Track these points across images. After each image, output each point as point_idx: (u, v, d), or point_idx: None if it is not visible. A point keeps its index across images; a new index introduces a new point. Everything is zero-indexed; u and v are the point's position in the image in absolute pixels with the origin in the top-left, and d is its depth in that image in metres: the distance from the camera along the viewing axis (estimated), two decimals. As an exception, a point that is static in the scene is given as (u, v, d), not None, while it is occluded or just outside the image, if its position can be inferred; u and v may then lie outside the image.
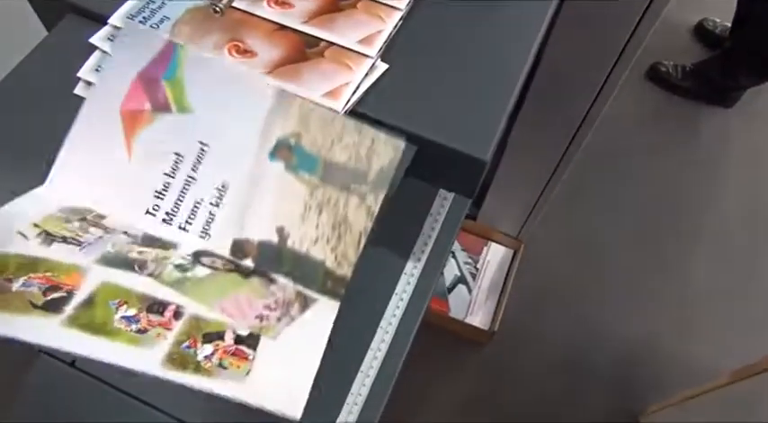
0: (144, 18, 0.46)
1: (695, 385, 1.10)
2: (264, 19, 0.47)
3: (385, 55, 0.46)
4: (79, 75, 0.45)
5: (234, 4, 0.47)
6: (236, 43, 0.45)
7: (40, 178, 0.42)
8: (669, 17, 0.80)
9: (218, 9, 0.43)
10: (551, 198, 1.24)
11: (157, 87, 0.42)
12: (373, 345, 0.63)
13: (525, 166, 1.20)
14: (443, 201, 0.64)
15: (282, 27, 0.46)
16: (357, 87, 0.44)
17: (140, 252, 0.39)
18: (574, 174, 1.21)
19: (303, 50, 0.45)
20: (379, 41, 0.46)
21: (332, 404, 0.48)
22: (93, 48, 0.46)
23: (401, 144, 0.42)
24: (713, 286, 1.50)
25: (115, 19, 0.46)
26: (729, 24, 1.76)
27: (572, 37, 0.88)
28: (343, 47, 0.46)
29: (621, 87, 0.93)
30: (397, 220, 0.66)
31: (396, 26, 0.47)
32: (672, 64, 1.81)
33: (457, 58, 0.46)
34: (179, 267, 0.39)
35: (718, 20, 1.90)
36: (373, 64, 0.45)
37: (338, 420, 0.45)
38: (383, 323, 0.64)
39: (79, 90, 0.45)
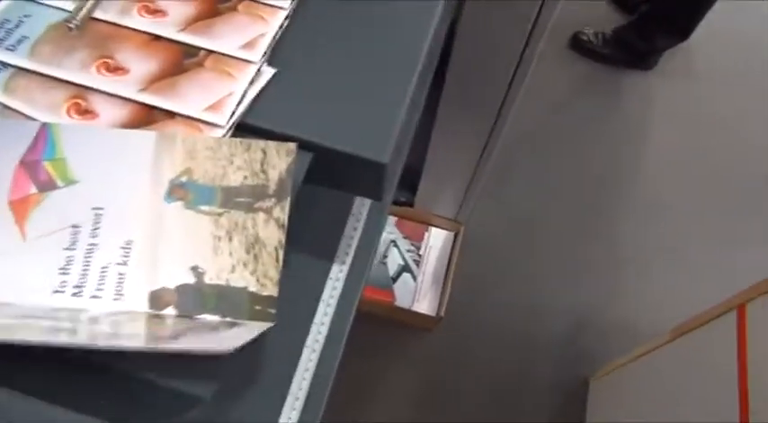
0: None
1: (639, 345, 1.13)
2: (135, 30, 0.43)
3: (271, 59, 0.43)
4: None
5: (99, 16, 0.43)
6: (104, 60, 0.41)
7: None
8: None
9: (71, 26, 0.39)
10: (485, 177, 1.24)
11: (39, 169, 0.38)
12: (304, 354, 0.61)
13: (455, 147, 1.19)
14: (364, 199, 0.62)
15: (156, 37, 0.43)
16: (242, 97, 0.41)
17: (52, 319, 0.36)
18: (505, 151, 1.21)
19: (181, 62, 0.42)
20: (263, 45, 0.43)
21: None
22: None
23: (292, 147, 0.40)
24: (646, 251, 1.55)
25: None
26: None
27: (482, 14, 0.87)
28: (223, 54, 0.42)
29: (546, 59, 0.92)
30: (317, 225, 0.64)
31: (281, 27, 0.44)
32: (592, 32, 1.84)
33: (347, 57, 0.44)
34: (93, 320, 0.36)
35: None
36: (258, 70, 0.42)
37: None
38: (312, 331, 0.61)
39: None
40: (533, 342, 1.40)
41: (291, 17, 0.45)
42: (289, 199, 0.41)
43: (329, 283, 0.63)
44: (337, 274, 0.64)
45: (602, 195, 1.63)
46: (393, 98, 0.42)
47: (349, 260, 0.65)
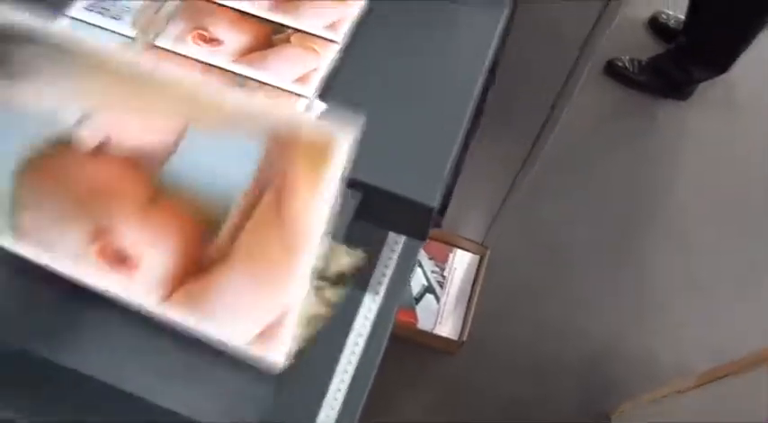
0: (103, 8, 0.43)
1: (662, 381, 1.11)
2: (190, 58, 0.43)
3: (322, 94, 0.43)
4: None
5: (158, 43, 0.43)
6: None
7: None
8: (623, 12, 0.80)
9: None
10: (515, 202, 1.23)
11: None
12: (334, 383, 0.60)
13: (488, 171, 1.18)
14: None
15: (210, 66, 0.43)
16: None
17: None
18: (534, 175, 1.20)
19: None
20: (316, 80, 0.43)
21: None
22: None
23: (360, 254, 0.39)
24: (673, 282, 1.52)
25: (74, 11, 0.43)
26: (683, 17, 1.77)
27: (529, 42, 0.86)
28: (276, 87, 0.42)
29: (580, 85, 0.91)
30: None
31: (333, 61, 0.44)
32: (628, 58, 1.82)
33: (398, 96, 0.44)
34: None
35: (671, 12, 1.92)
36: (310, 105, 0.42)
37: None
38: (342, 361, 0.61)
39: None
40: (555, 370, 1.37)
41: (344, 51, 0.45)
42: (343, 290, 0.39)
43: (362, 313, 0.63)
44: (370, 305, 0.63)
45: (632, 223, 1.60)
46: (444, 143, 0.41)
47: (382, 290, 0.64)
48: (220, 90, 0.33)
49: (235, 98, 0.32)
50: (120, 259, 0.30)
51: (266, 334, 0.29)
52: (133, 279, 0.30)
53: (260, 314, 0.29)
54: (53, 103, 0.30)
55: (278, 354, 0.29)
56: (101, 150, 0.31)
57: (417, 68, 0.45)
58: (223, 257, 0.30)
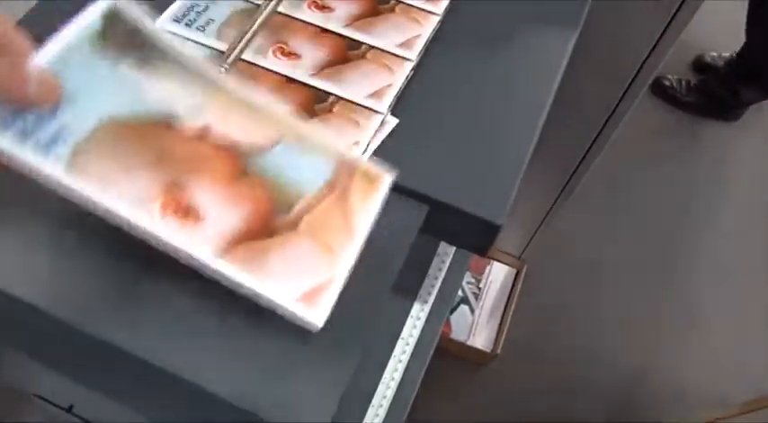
0: (189, 21, 0.46)
1: (694, 409, 1.09)
2: (271, 70, 0.45)
3: (395, 109, 0.44)
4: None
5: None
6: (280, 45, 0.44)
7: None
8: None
9: (223, 69, 0.41)
10: (556, 219, 1.23)
11: None
12: (380, 389, 0.62)
13: (531, 187, 1.18)
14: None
15: (290, 79, 0.45)
16: (367, 146, 0.42)
17: None
18: (577, 192, 1.19)
19: (311, 105, 0.44)
20: (390, 95, 0.44)
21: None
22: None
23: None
24: (712, 307, 1.49)
25: (162, 22, 0.45)
26: (728, 55, 1.75)
27: (588, 58, 0.87)
28: (351, 102, 0.44)
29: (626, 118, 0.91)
30: (403, 263, 0.65)
31: (406, 78, 0.46)
32: (676, 78, 1.80)
33: (468, 114, 0.45)
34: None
35: (715, 53, 1.88)
36: (383, 120, 0.43)
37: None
38: (389, 368, 0.62)
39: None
40: (585, 390, 1.36)
41: (416, 68, 0.46)
42: None
43: (410, 322, 0.64)
44: (419, 313, 0.64)
45: (673, 244, 1.59)
46: (512, 162, 0.42)
47: (431, 299, 0.66)
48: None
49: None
50: (184, 211, 0.31)
51: (311, 295, 0.32)
52: (194, 230, 0.31)
53: (310, 277, 0.32)
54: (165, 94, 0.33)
55: (318, 315, 0.31)
56: (200, 136, 0.33)
57: (488, 88, 0.46)
58: (289, 228, 0.34)
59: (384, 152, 0.43)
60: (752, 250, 1.59)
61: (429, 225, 0.43)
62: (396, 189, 0.42)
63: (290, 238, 0.33)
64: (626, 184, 1.67)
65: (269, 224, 0.33)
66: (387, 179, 0.37)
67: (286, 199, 0.34)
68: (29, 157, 0.27)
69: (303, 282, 0.32)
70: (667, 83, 1.80)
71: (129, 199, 0.30)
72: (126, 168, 0.30)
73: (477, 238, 0.43)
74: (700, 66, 1.89)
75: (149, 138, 0.32)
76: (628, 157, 1.73)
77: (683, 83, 1.80)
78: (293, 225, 0.33)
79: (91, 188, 0.29)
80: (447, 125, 0.44)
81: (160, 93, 0.32)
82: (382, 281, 0.39)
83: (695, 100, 1.78)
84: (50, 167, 0.28)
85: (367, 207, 0.36)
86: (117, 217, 0.29)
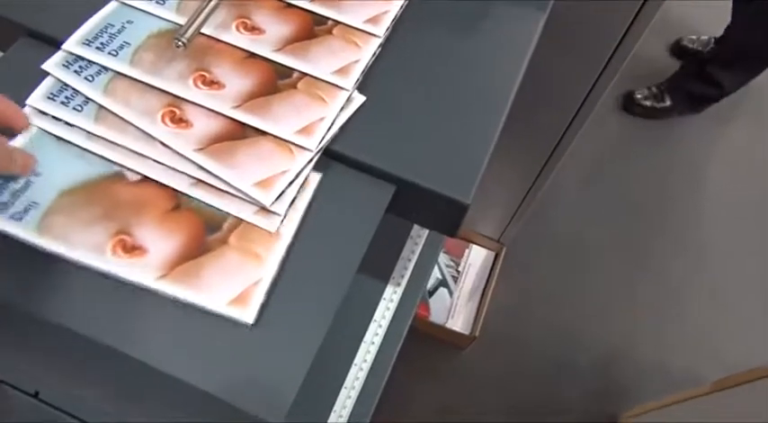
0: (102, 44, 0.43)
1: (673, 389, 1.11)
2: (233, 46, 0.44)
3: (361, 86, 0.43)
4: (28, 102, 0.41)
5: (203, 29, 0.43)
6: (202, 73, 0.42)
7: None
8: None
9: (180, 44, 0.40)
10: (533, 203, 1.23)
11: None
12: (352, 371, 0.61)
13: (508, 170, 1.18)
14: (424, 224, 0.62)
15: (252, 55, 0.43)
16: (332, 123, 0.41)
17: None
18: (555, 177, 1.19)
19: (274, 82, 0.42)
20: (356, 72, 0.43)
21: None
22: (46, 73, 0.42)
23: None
24: (690, 290, 1.51)
25: (70, 45, 0.42)
26: (705, 38, 1.73)
27: (556, 46, 0.86)
28: (317, 78, 0.43)
29: (603, 98, 0.91)
30: (375, 245, 0.64)
31: (373, 55, 0.44)
32: (646, 91, 1.76)
33: (438, 93, 0.44)
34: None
35: (694, 37, 1.87)
36: (349, 96, 0.42)
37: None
38: (361, 350, 0.62)
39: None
40: (565, 370, 1.38)
41: (384, 45, 0.45)
42: None
43: (383, 304, 0.63)
44: (391, 296, 0.64)
45: (652, 230, 1.60)
46: (480, 142, 0.42)
47: (404, 282, 0.65)
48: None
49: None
50: (131, 248, 0.37)
51: (240, 297, 0.36)
52: (140, 261, 0.37)
53: (239, 282, 0.36)
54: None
55: (248, 313, 0.36)
56: (141, 181, 0.40)
57: (456, 66, 0.45)
58: (220, 244, 0.38)
59: (350, 130, 0.42)
60: (728, 233, 1.61)
61: (397, 205, 0.42)
62: (362, 168, 0.41)
63: (221, 253, 0.37)
64: (606, 173, 1.68)
65: (202, 244, 0.38)
66: (314, 178, 0.41)
67: (216, 220, 0.39)
68: (6, 226, 0.36)
69: (233, 288, 0.36)
70: (640, 96, 1.75)
71: (86, 247, 0.36)
72: (82, 224, 0.37)
73: (446, 219, 0.42)
74: (678, 51, 1.89)
75: (99, 194, 0.38)
76: (608, 145, 1.73)
77: (654, 90, 1.76)
78: (223, 241, 0.38)
79: (56, 245, 0.36)
80: (414, 104, 0.43)
81: (107, 153, 0.40)
82: (349, 261, 0.38)
83: (672, 104, 1.75)
84: (23, 233, 0.36)
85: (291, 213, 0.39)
86: (77, 262, 0.36)
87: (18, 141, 0.39)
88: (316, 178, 0.40)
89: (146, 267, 0.36)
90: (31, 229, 0.37)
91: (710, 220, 1.63)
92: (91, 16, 0.44)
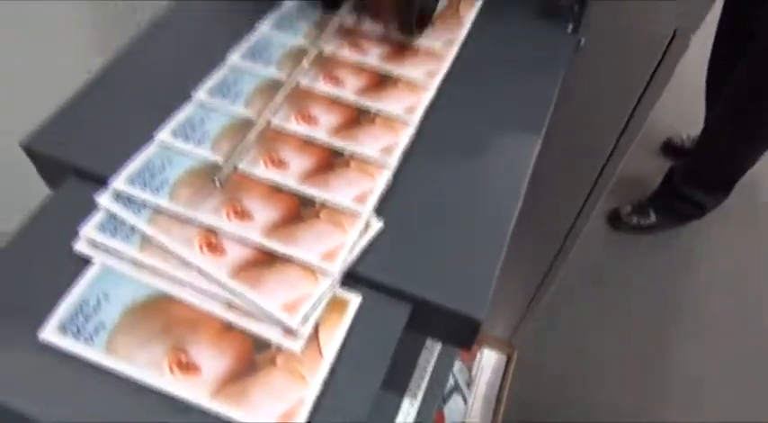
0: (144, 182, 0.48)
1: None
2: (261, 180, 0.49)
3: (378, 213, 0.48)
4: (81, 233, 0.45)
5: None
6: (233, 205, 0.47)
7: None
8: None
9: (217, 183, 0.45)
10: (543, 303, 1.25)
11: None
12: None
13: (515, 272, 1.21)
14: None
15: (278, 189, 0.48)
16: (352, 248, 0.45)
17: None
18: (563, 278, 1.22)
19: (299, 211, 0.47)
20: (372, 199, 0.48)
21: None
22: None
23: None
24: (708, 383, 1.49)
25: (119, 183, 0.47)
26: (696, 135, 1.80)
27: (557, 149, 0.92)
28: (337, 206, 0.47)
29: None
30: (391, 358, 0.66)
31: (387, 183, 0.49)
32: (630, 207, 1.82)
33: (446, 213, 0.48)
34: None
35: (684, 136, 1.95)
36: (367, 223, 0.46)
37: None
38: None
39: (81, 247, 0.45)
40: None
41: (396, 174, 0.50)
42: None
43: (400, 418, 0.64)
44: (408, 409, 0.65)
45: (658, 329, 1.60)
46: (490, 256, 0.45)
47: (420, 395, 0.66)
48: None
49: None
50: (186, 367, 0.40)
51: (285, 416, 0.38)
52: (194, 380, 0.39)
53: (284, 402, 0.39)
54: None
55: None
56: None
57: (463, 187, 0.50)
58: (268, 363, 0.40)
59: (369, 253, 0.45)
60: (734, 332, 1.61)
61: (413, 322, 0.45)
62: (379, 288, 0.44)
63: (269, 373, 0.40)
64: (612, 274, 1.71)
65: (252, 362, 0.40)
66: (354, 301, 0.44)
67: (263, 339, 0.41)
68: (79, 349, 0.40)
69: (278, 406, 0.38)
70: (624, 212, 1.82)
71: (146, 365, 0.39)
72: (141, 342, 0.40)
73: (460, 333, 0.45)
74: (669, 150, 1.96)
75: (156, 312, 0.42)
76: (613, 245, 1.77)
77: (639, 208, 1.81)
78: (272, 360, 0.40)
79: (122, 365, 0.39)
80: (425, 226, 0.47)
81: (151, 280, 0.44)
82: (370, 382, 0.40)
83: (657, 220, 1.80)
84: (95, 355, 0.40)
85: (334, 333, 0.42)
86: (139, 381, 0.39)
87: (90, 273, 0.43)
88: (356, 301, 0.43)
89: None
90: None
91: (708, 315, 1.63)
92: (130, 152, 0.49)
